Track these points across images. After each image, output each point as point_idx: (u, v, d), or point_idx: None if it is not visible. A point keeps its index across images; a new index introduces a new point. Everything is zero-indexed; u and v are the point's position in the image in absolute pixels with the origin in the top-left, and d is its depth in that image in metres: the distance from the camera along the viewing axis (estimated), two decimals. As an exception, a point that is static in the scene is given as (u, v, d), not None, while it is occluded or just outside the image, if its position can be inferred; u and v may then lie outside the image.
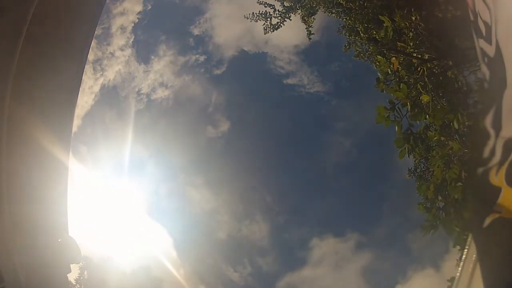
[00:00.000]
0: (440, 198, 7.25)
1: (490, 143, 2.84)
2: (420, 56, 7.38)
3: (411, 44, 7.39)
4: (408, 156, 7.34)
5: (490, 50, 2.84)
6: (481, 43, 3.01)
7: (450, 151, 7.17)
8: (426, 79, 7.24)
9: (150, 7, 16.31)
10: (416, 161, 7.98)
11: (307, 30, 10.09)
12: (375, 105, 7.14)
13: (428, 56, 7.30)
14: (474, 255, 3.38)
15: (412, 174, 8.10)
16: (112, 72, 15.38)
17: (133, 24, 15.66)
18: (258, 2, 10.14)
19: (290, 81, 17.36)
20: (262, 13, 10.12)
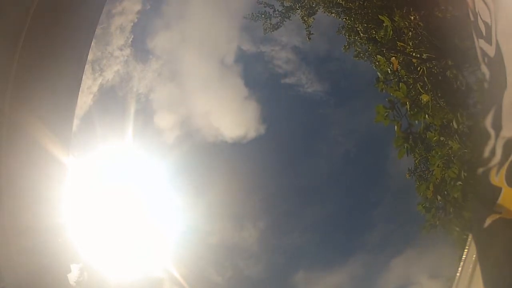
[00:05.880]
0: (439, 197, 7.26)
1: (490, 143, 2.84)
2: (419, 55, 7.39)
3: (411, 43, 7.39)
4: (407, 155, 7.34)
5: (490, 50, 2.85)
6: (481, 43, 3.02)
7: (449, 151, 7.18)
8: (425, 78, 7.24)
9: (149, 6, 16.28)
10: (417, 161, 7.99)
11: (306, 31, 10.11)
12: (372, 107, 7.18)
13: (428, 56, 7.30)
14: (474, 255, 3.39)
15: (412, 174, 8.10)
16: (111, 72, 15.35)
17: (132, 24, 15.62)
18: (257, 2, 10.15)
19: (288, 80, 17.31)
20: (261, 13, 10.13)
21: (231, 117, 17.61)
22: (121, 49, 15.57)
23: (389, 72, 7.89)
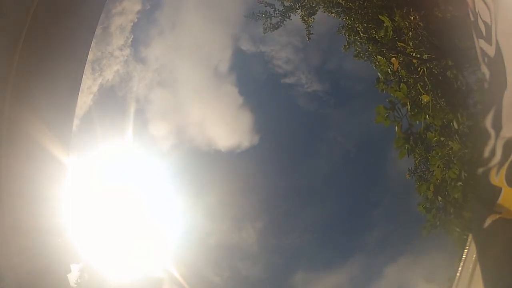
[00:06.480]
0: (440, 198, 7.25)
1: (490, 143, 2.84)
2: (420, 56, 7.38)
3: (411, 44, 7.39)
4: (408, 156, 7.35)
5: (490, 50, 2.85)
6: (481, 43, 3.02)
7: (450, 151, 7.18)
8: (426, 79, 7.24)
9: (149, 6, 16.28)
10: (417, 162, 7.98)
11: (306, 30, 10.11)
12: (372, 107, 7.19)
13: (428, 56, 7.30)
14: (474, 255, 3.39)
15: (412, 174, 8.10)
16: (111, 72, 15.36)
17: (132, 24, 15.62)
18: (258, 2, 10.16)
19: (288, 80, 17.29)
20: (262, 12, 10.13)
21: (230, 119, 17.64)
22: (121, 49, 15.59)
23: (390, 72, 7.89)
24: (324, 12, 9.54)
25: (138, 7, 15.77)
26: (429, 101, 7.10)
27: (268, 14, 10.08)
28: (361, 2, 8.56)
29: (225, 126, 17.72)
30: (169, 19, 17.37)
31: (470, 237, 3.68)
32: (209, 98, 18.31)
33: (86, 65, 4.08)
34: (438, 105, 7.23)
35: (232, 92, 17.57)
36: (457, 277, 3.67)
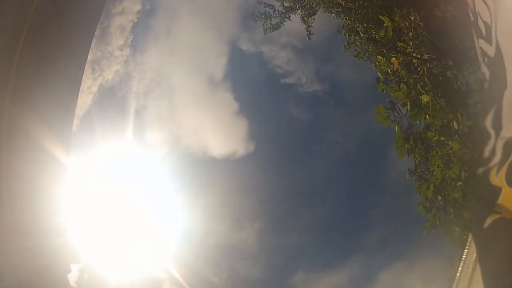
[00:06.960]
0: (439, 198, 7.26)
1: (490, 143, 2.84)
2: (420, 56, 7.39)
3: (411, 44, 7.40)
4: (408, 156, 7.35)
5: (490, 50, 2.85)
6: (481, 43, 3.02)
7: (450, 151, 7.19)
8: (426, 79, 7.25)
9: (149, 6, 16.28)
10: (417, 162, 7.99)
11: (306, 31, 10.12)
12: (372, 107, 7.20)
13: (428, 56, 7.31)
14: (474, 255, 3.39)
15: (412, 174, 8.11)
16: (111, 72, 15.35)
17: (132, 24, 15.61)
18: (257, 2, 10.17)
19: (287, 80, 17.28)
20: (262, 13, 10.14)
21: (230, 120, 17.65)
22: (121, 49, 15.58)
23: (390, 72, 7.89)
24: (324, 12, 9.54)
25: (138, 7, 15.76)
26: (429, 101, 7.11)
27: (267, 14, 10.09)
28: (361, 2, 8.56)
29: (224, 127, 17.75)
30: (167, 22, 17.39)
31: (470, 237, 3.67)
32: (208, 99, 18.35)
33: (86, 65, 4.08)
34: (438, 105, 7.23)
35: (231, 92, 17.61)
36: (457, 277, 3.67)
